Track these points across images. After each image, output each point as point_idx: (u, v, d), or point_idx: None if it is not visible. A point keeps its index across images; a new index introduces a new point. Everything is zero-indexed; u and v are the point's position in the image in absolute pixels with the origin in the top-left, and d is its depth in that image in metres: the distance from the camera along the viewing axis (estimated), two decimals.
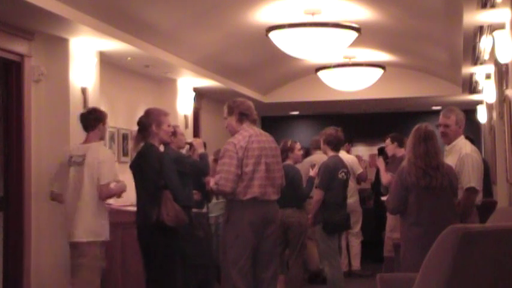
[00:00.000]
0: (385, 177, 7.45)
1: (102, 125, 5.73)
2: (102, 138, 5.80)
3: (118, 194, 5.78)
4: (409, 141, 5.07)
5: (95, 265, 5.54)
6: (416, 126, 5.09)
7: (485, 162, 6.71)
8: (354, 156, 9.76)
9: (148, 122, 5.54)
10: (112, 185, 5.60)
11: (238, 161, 5.13)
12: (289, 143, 7.25)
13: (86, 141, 5.73)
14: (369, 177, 9.81)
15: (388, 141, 7.96)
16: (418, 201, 4.91)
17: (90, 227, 5.55)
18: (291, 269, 7.08)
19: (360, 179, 9.33)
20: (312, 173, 7.17)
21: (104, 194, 5.57)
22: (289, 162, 7.05)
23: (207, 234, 7.29)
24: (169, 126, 5.67)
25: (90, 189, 5.54)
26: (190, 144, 7.45)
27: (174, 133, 6.66)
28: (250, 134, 5.24)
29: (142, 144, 5.58)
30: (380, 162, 7.67)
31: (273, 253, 5.33)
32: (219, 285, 7.50)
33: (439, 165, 4.93)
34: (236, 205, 5.19)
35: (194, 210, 6.54)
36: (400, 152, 7.67)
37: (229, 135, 5.47)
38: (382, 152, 9.37)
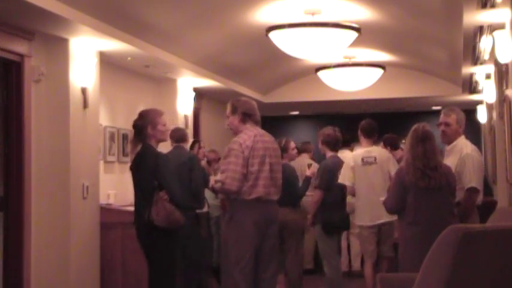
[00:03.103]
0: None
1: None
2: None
3: None
4: (407, 141, 5.08)
5: None
6: (414, 127, 5.09)
7: None
8: None
9: (143, 125, 5.49)
10: None
11: (244, 160, 5.12)
12: (283, 142, 7.22)
13: (370, 145, 6.89)
14: None
15: (381, 145, 7.83)
16: (416, 201, 4.91)
17: None
18: (289, 267, 7.07)
19: None
20: (308, 172, 7.16)
21: None
22: (284, 161, 7.04)
23: (207, 234, 7.30)
24: (164, 125, 5.62)
25: (382, 182, 6.55)
26: (195, 142, 7.48)
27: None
28: (255, 134, 5.23)
29: (140, 146, 5.56)
30: None
31: (273, 253, 5.33)
32: (219, 285, 7.51)
33: (437, 166, 4.93)
34: (240, 205, 5.17)
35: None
36: (397, 154, 7.61)
37: (230, 135, 5.46)
38: None
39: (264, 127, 5.56)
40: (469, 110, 11.50)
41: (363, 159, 6.73)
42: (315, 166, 7.47)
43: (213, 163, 7.98)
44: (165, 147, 6.52)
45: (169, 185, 5.39)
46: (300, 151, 9.53)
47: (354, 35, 7.30)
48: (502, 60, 6.08)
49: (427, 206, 4.90)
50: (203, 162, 7.74)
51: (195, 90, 10.25)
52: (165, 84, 9.58)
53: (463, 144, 5.46)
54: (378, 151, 6.94)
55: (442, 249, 2.89)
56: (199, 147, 7.42)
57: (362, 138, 6.92)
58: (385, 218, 6.46)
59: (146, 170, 5.37)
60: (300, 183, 7.15)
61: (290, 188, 6.78)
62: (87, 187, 6.87)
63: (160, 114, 5.60)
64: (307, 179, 7.11)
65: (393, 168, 6.57)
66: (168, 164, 5.48)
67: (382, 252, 6.82)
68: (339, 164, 6.88)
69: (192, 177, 6.67)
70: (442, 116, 5.56)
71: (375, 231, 6.69)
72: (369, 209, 6.62)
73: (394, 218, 6.30)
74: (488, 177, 9.70)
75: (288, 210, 6.81)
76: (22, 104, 6.30)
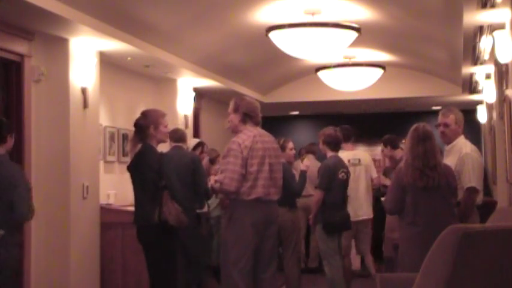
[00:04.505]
0: None
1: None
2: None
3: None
4: (407, 141, 5.06)
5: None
6: (414, 126, 5.06)
7: None
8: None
9: (146, 124, 5.48)
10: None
11: (243, 160, 5.11)
12: (281, 141, 7.21)
13: (353, 149, 7.69)
14: None
15: (382, 146, 7.86)
16: (415, 202, 4.90)
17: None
18: (287, 267, 7.08)
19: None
20: (303, 166, 7.15)
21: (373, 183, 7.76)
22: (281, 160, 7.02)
23: (207, 233, 7.30)
24: (166, 126, 5.63)
25: (365, 182, 7.52)
26: (199, 144, 7.47)
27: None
28: (255, 134, 5.22)
29: (139, 145, 5.55)
30: (383, 180, 7.62)
31: (272, 253, 5.33)
32: (218, 284, 7.51)
33: (437, 165, 4.91)
34: (239, 205, 5.17)
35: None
36: (397, 154, 7.60)
37: (230, 135, 5.45)
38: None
39: (264, 127, 5.55)
40: (469, 110, 11.53)
41: (349, 161, 7.34)
42: (309, 158, 7.52)
43: (207, 164, 7.96)
44: (163, 147, 6.52)
45: (172, 184, 5.40)
46: (306, 152, 9.59)
47: (354, 35, 7.30)
48: (502, 60, 6.08)
49: (426, 206, 4.89)
50: (204, 161, 7.73)
51: (195, 90, 10.26)
52: (165, 84, 9.58)
53: (463, 144, 5.46)
54: (362, 154, 7.79)
55: (442, 249, 2.89)
56: (202, 151, 7.41)
57: (343, 144, 7.27)
58: (364, 215, 7.43)
59: (149, 169, 5.36)
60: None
61: (286, 187, 6.77)
62: (87, 187, 6.88)
63: (163, 115, 5.61)
64: (303, 173, 7.09)
65: (374, 172, 7.66)
66: (170, 164, 5.48)
67: (360, 250, 7.65)
68: (340, 164, 6.88)
69: (196, 180, 6.68)
70: (440, 116, 5.55)
71: (353, 228, 7.21)
72: (351, 206, 7.17)
73: (371, 216, 7.59)
74: (488, 177, 9.70)
75: (284, 210, 6.80)
76: (22, 104, 6.30)
